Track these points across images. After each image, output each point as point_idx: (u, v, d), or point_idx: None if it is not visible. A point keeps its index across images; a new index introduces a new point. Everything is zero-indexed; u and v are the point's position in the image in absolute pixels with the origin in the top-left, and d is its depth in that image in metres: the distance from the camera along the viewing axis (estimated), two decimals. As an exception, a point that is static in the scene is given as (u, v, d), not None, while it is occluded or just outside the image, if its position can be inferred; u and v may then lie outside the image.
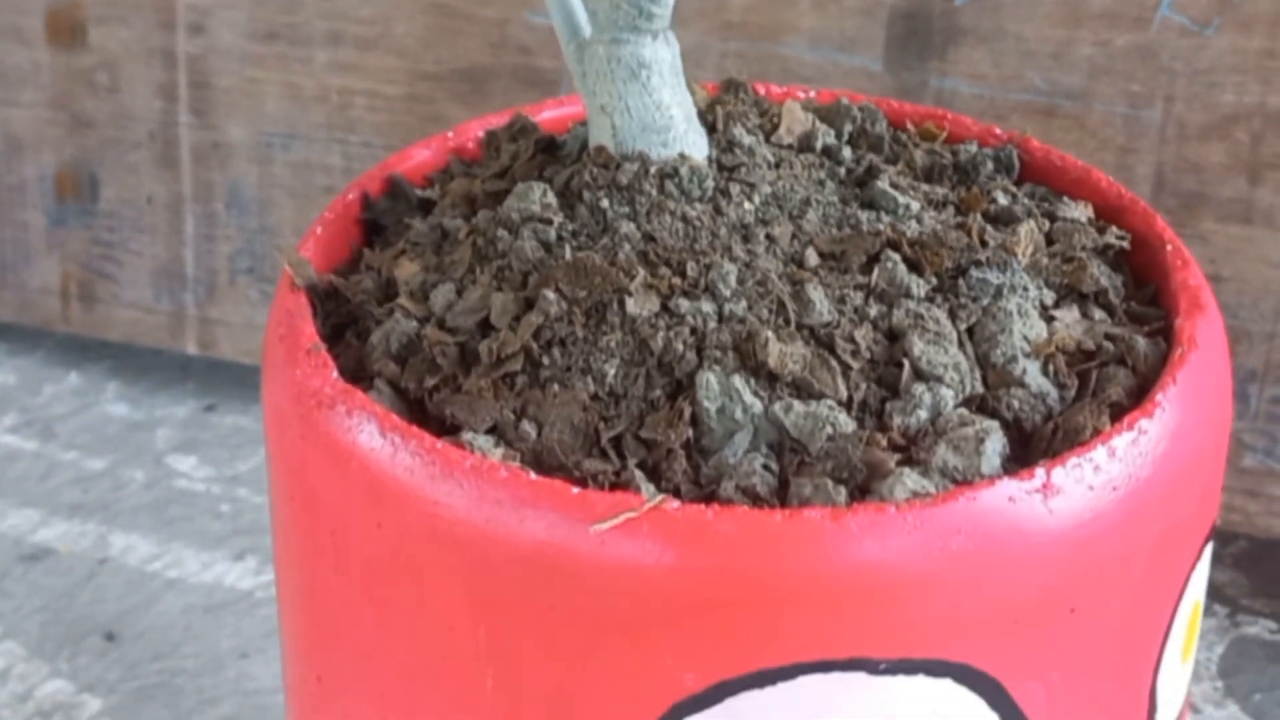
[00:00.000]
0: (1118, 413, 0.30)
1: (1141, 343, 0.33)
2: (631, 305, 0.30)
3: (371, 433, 0.30)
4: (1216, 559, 0.82)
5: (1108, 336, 0.33)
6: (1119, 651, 0.31)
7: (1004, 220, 0.36)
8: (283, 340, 0.33)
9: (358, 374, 0.33)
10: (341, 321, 0.35)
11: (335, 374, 0.32)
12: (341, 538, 0.31)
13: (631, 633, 0.28)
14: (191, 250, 0.96)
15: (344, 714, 0.34)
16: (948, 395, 0.30)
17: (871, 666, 0.28)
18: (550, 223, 0.33)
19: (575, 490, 0.28)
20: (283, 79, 0.89)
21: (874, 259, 0.33)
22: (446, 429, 0.31)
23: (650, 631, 0.28)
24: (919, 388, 0.30)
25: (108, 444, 0.93)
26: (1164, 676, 0.33)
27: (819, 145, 0.37)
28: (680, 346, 0.30)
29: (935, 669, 0.28)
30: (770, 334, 0.30)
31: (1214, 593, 0.79)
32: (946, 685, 0.29)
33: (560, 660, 0.29)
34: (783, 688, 0.28)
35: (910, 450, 0.29)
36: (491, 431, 0.30)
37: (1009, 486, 0.28)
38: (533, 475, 0.28)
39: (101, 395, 0.98)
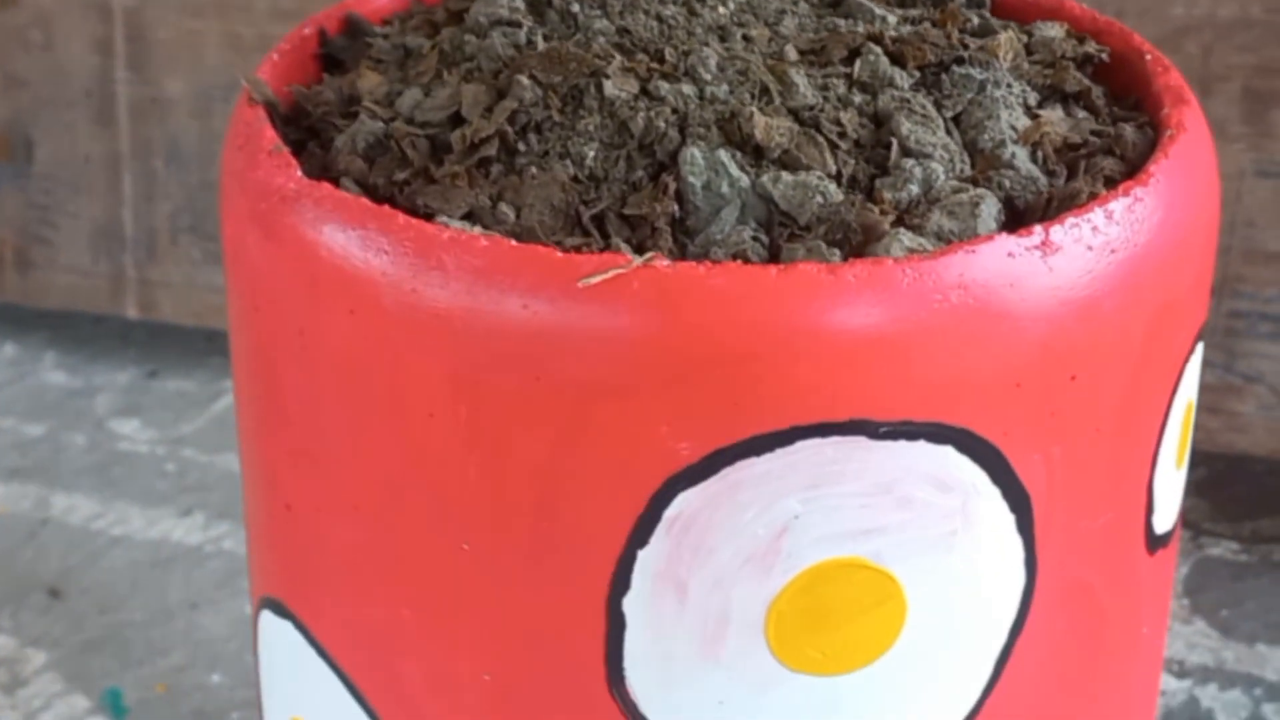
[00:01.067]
0: (1112, 186, 0.30)
1: (1129, 131, 0.32)
2: (609, 88, 0.29)
3: (341, 222, 0.29)
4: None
5: (1094, 131, 0.33)
6: (1118, 432, 0.30)
7: (982, 34, 0.35)
8: (242, 149, 0.32)
9: (322, 177, 0.31)
10: (301, 138, 0.34)
11: (299, 172, 0.31)
12: (312, 337, 0.30)
13: (621, 401, 0.27)
14: (130, 210, 0.93)
15: (316, 540, 0.32)
16: (938, 170, 0.29)
17: (871, 429, 0.27)
18: (519, 25, 0.32)
19: (560, 254, 0.27)
20: (223, 29, 0.87)
21: (855, 53, 0.32)
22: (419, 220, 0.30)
23: (641, 399, 0.27)
24: (909, 163, 0.29)
25: (46, 410, 0.90)
26: (1160, 474, 0.33)
27: None
28: (662, 125, 0.29)
29: (936, 434, 0.27)
30: (755, 109, 0.29)
31: (1182, 516, 0.79)
32: (948, 453, 0.28)
33: (546, 439, 0.27)
34: (780, 454, 0.27)
35: (904, 219, 0.29)
36: (467, 218, 0.29)
37: (1008, 243, 0.27)
38: (514, 243, 0.27)
39: (39, 364, 0.95)
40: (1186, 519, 0.78)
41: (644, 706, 0.30)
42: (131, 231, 0.92)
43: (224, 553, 0.79)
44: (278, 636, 0.35)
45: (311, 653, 0.34)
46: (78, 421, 0.88)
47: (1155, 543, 0.33)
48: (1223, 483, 0.81)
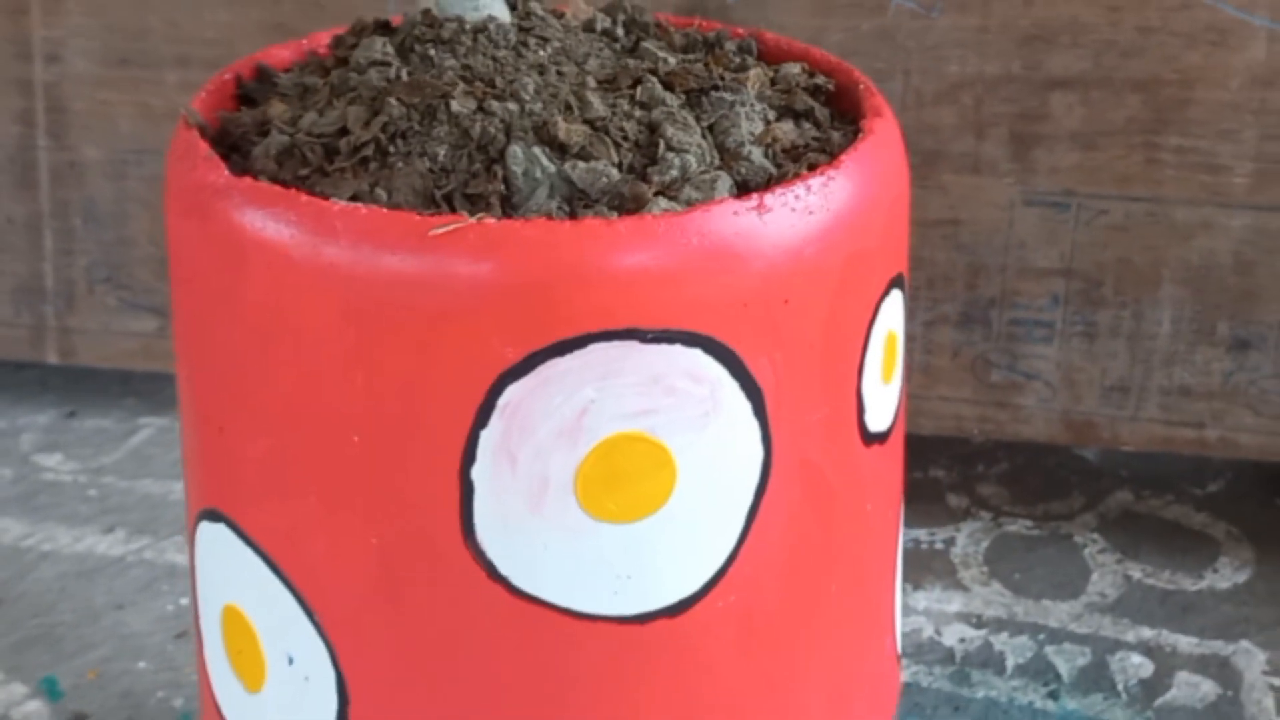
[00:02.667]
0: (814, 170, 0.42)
1: (836, 136, 0.45)
2: (455, 105, 0.41)
3: (259, 204, 0.40)
4: (982, 476, 0.95)
5: (814, 137, 0.45)
6: (825, 345, 0.42)
7: (741, 69, 0.47)
8: (182, 158, 0.43)
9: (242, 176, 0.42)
10: (224, 153, 0.44)
11: (227, 171, 0.41)
12: (237, 294, 0.40)
13: (463, 321, 0.38)
14: (51, 264, 1.02)
15: (242, 454, 0.42)
16: (693, 161, 0.41)
17: (641, 335, 0.38)
18: (390, 65, 0.43)
19: (419, 216, 0.38)
20: (135, 100, 0.98)
21: (638, 81, 0.44)
22: (316, 205, 0.40)
23: (478, 318, 0.38)
24: (671, 156, 0.41)
25: (-28, 449, 0.98)
26: (867, 383, 0.44)
27: (599, 27, 0.48)
28: (493, 130, 0.41)
29: (689, 339, 0.39)
30: (560, 119, 0.40)
31: (981, 502, 0.92)
32: (697, 354, 0.39)
33: (410, 351, 0.38)
34: (578, 354, 0.38)
35: (665, 193, 0.40)
36: (353, 199, 0.40)
37: (733, 205, 0.39)
38: (386, 210, 0.38)
39: (-38, 410, 1.03)
40: (989, 503, 0.91)
41: (490, 554, 0.41)
42: (52, 284, 1.01)
43: (145, 562, 0.88)
44: (213, 540, 0.45)
45: (241, 544, 0.44)
46: (4, 457, 0.97)
47: (870, 438, 0.45)
48: (1018, 472, 0.94)
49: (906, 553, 0.89)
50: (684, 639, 0.43)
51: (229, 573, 0.45)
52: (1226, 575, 0.87)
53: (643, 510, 0.41)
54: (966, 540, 0.90)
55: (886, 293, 0.45)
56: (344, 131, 0.42)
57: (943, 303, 0.89)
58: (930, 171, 0.86)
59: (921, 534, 0.91)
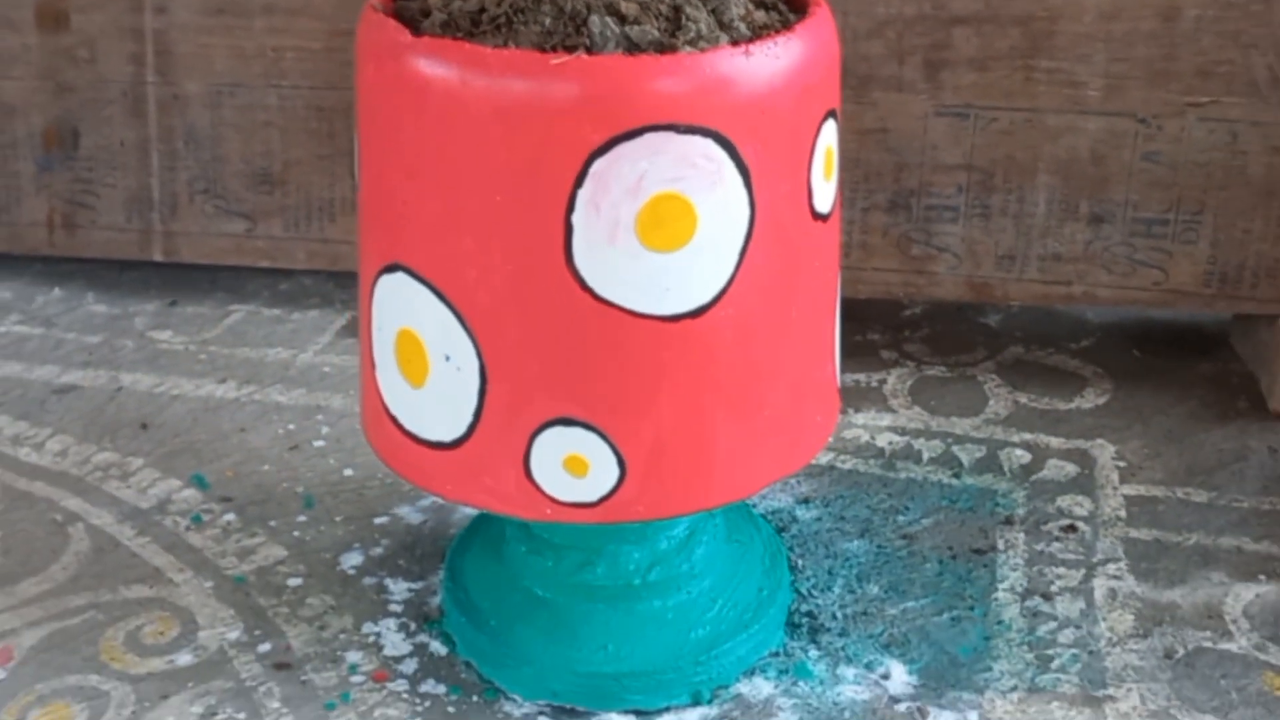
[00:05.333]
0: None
1: (793, 17, 0.69)
2: (553, -7, 0.65)
3: (432, 53, 0.64)
4: (908, 339, 1.20)
5: (778, 18, 0.69)
6: (786, 145, 0.67)
7: None
8: (375, 28, 0.67)
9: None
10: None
11: (409, 34, 0.65)
12: (421, 110, 0.65)
13: (568, 118, 0.64)
14: (157, 179, 1.26)
15: (422, 220, 0.67)
16: (703, 28, 0.66)
17: (676, 128, 0.64)
18: None
19: (540, 54, 0.62)
20: (229, 43, 1.22)
21: None
22: (469, 56, 0.65)
23: (577, 116, 0.64)
24: (690, 24, 0.66)
25: (98, 328, 1.22)
26: (815, 176, 0.70)
27: None
28: (579, 7, 0.65)
29: (704, 132, 0.64)
30: (620, 1, 0.65)
31: (907, 355, 1.18)
32: (709, 143, 0.65)
33: (535, 138, 0.65)
34: (637, 140, 0.63)
35: (687, 45, 0.65)
36: (494, 48, 0.64)
37: (730, 50, 0.66)
38: (518, 49, 0.62)
39: (83, 300, 1.27)
40: (913, 356, 1.16)
41: (583, 273, 0.66)
42: (158, 196, 1.25)
43: (255, 401, 1.12)
44: (392, 284, 0.70)
45: (415, 283, 0.69)
46: (124, 334, 1.20)
47: (817, 216, 0.70)
48: (936, 335, 1.19)
49: (849, 389, 1.15)
50: (700, 334, 0.68)
51: (403, 304, 0.69)
52: (1090, 399, 1.13)
53: (676, 244, 0.65)
54: (895, 381, 1.15)
55: (825, 119, 0.70)
56: (482, 10, 0.66)
57: (875, 193, 1.14)
58: (864, 91, 1.12)
59: (861, 376, 1.16)
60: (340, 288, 1.30)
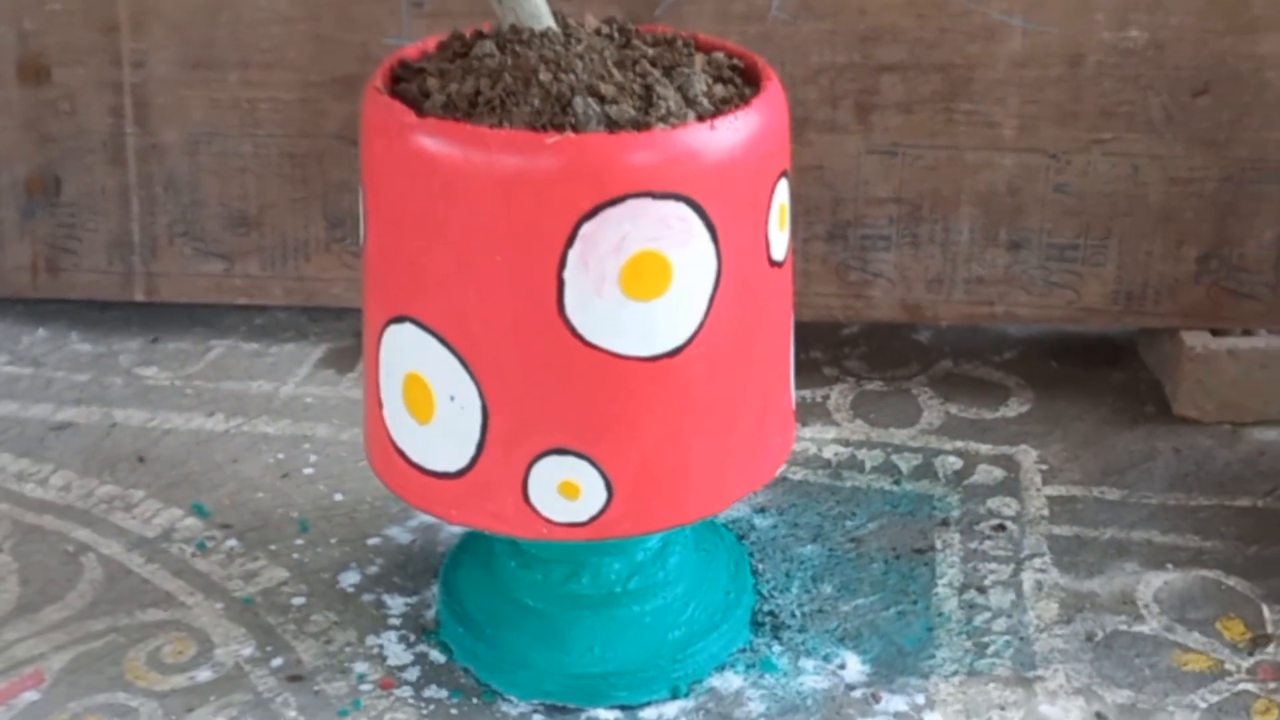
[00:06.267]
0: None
1: (749, 91, 0.79)
2: (541, 76, 0.76)
3: (435, 132, 0.73)
4: (848, 355, 1.30)
5: (736, 92, 0.79)
6: (747, 204, 0.78)
7: (689, 56, 0.82)
8: (381, 110, 0.77)
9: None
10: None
11: (414, 115, 0.74)
12: (425, 182, 0.74)
13: (560, 188, 0.75)
14: (137, 224, 1.34)
15: (429, 276, 0.77)
16: (672, 105, 0.75)
17: (653, 195, 0.74)
18: (495, 56, 0.76)
19: (533, 132, 0.71)
20: (205, 95, 1.30)
21: (635, 63, 0.77)
22: (468, 133, 0.74)
23: (567, 186, 0.75)
24: (660, 101, 0.76)
25: (84, 366, 1.30)
26: (771, 230, 0.80)
27: (604, 32, 0.82)
28: (565, 90, 0.74)
29: (677, 197, 0.75)
30: (600, 83, 0.74)
31: (848, 371, 1.28)
32: (682, 206, 0.74)
33: (531, 204, 0.75)
34: (620, 206, 0.74)
35: (658, 121, 0.74)
36: (491, 127, 0.73)
37: (697, 126, 0.77)
38: (512, 129, 0.72)
39: (67, 340, 1.34)
40: (853, 372, 1.26)
41: (573, 320, 0.77)
42: (139, 239, 1.32)
43: (244, 433, 1.19)
44: (400, 333, 0.79)
45: (421, 332, 0.78)
46: (111, 371, 1.28)
47: (773, 263, 0.80)
48: (873, 352, 1.30)
49: (796, 405, 1.24)
50: (676, 372, 0.78)
51: (411, 351, 0.79)
52: (1014, 409, 1.25)
53: (655, 294, 0.76)
54: (838, 396, 1.26)
55: (779, 179, 0.80)
56: (478, 92, 0.76)
57: (815, 224, 1.24)
58: (802, 132, 1.22)
59: (806, 393, 1.26)
60: (313, 321, 1.38)
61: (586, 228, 0.75)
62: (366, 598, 1.04)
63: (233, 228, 1.31)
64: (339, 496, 1.14)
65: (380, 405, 0.85)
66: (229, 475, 1.16)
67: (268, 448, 1.20)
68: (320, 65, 1.28)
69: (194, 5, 1.27)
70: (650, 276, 0.76)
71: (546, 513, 0.82)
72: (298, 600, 1.03)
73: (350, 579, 1.06)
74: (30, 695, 0.93)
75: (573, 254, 0.75)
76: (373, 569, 1.06)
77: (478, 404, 0.80)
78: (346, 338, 1.36)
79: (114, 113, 1.33)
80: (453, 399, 0.80)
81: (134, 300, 1.36)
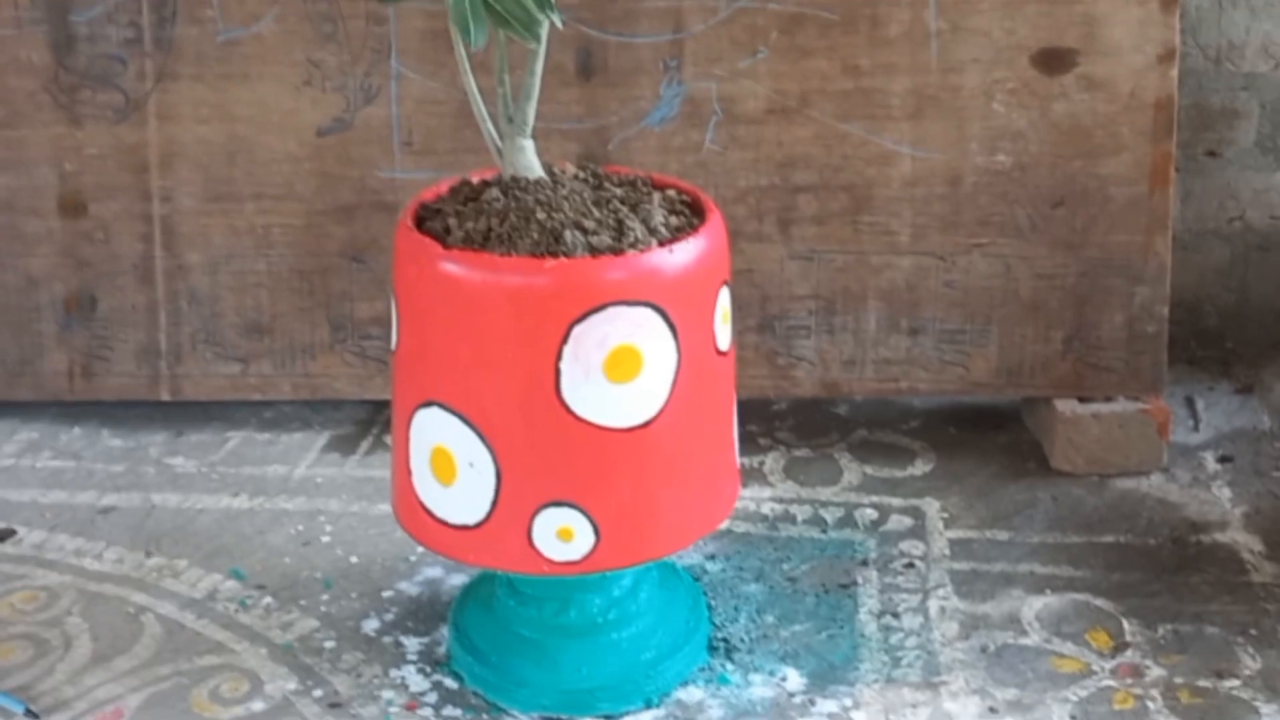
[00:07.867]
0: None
1: (696, 221, 1.03)
2: (539, 215, 0.99)
3: (459, 260, 0.95)
4: (778, 428, 1.53)
5: (685, 221, 1.02)
6: (698, 309, 1.03)
7: (648, 193, 1.05)
8: (413, 244, 0.99)
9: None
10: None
11: (441, 247, 0.96)
12: (449, 299, 0.95)
13: (556, 301, 1.00)
14: (165, 334, 1.53)
15: (452, 368, 0.98)
16: (638, 234, 0.99)
17: (627, 303, 0.99)
18: (500, 200, 0.99)
19: (535, 258, 0.94)
20: (225, 223, 1.51)
21: (609, 202, 1.00)
22: (483, 260, 0.97)
23: (562, 299, 1.00)
24: (629, 232, 1.01)
25: (118, 458, 1.49)
26: (717, 326, 1.04)
27: (580, 177, 1.06)
28: (557, 225, 0.98)
29: (647, 304, 1.00)
30: (584, 219, 0.97)
31: (779, 441, 1.52)
32: (650, 311, 0.99)
33: (534, 313, 1.00)
34: (603, 312, 1.00)
35: (630, 247, 0.97)
36: (501, 255, 0.95)
37: (659, 250, 1.03)
38: (519, 257, 0.94)
39: (99, 436, 1.52)
40: (784, 442, 1.49)
41: (568, 400, 1.02)
42: (165, 347, 1.51)
43: (268, 510, 1.40)
44: (428, 415, 1.02)
45: (446, 413, 1.01)
46: (143, 461, 1.48)
47: (719, 352, 1.04)
48: (800, 425, 1.53)
49: (739, 468, 1.46)
50: (647, 439, 1.02)
51: (438, 428, 1.01)
52: (919, 468, 1.49)
53: (630, 378, 1.00)
54: (772, 461, 1.49)
55: (722, 286, 1.04)
56: (489, 230, 0.99)
57: (747, 318, 1.48)
58: (734, 242, 1.46)
59: (745, 460, 1.49)
60: (315, 412, 1.59)
61: (577, 329, 0.99)
62: (386, 639, 1.24)
63: (248, 334, 1.52)
64: (354, 559, 1.34)
65: (410, 474, 1.06)
66: (258, 545, 1.36)
67: (289, 521, 1.40)
68: (324, 196, 1.50)
69: (215, 148, 1.49)
70: (627, 365, 1.00)
71: (547, 553, 1.04)
72: (329, 644, 1.23)
73: (371, 625, 1.26)
74: (118, 725, 1.12)
75: (567, 349, 1.00)
76: (389, 616, 1.26)
77: (492, 469, 1.02)
78: (346, 426, 1.57)
79: (144, 239, 1.53)
80: (471, 465, 1.01)
81: (159, 400, 1.56)
